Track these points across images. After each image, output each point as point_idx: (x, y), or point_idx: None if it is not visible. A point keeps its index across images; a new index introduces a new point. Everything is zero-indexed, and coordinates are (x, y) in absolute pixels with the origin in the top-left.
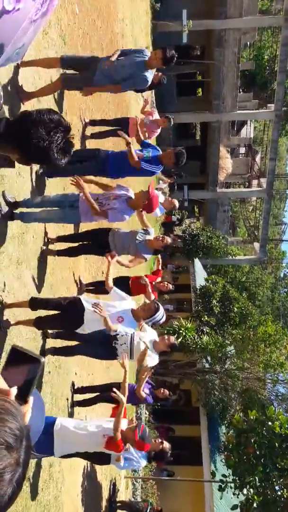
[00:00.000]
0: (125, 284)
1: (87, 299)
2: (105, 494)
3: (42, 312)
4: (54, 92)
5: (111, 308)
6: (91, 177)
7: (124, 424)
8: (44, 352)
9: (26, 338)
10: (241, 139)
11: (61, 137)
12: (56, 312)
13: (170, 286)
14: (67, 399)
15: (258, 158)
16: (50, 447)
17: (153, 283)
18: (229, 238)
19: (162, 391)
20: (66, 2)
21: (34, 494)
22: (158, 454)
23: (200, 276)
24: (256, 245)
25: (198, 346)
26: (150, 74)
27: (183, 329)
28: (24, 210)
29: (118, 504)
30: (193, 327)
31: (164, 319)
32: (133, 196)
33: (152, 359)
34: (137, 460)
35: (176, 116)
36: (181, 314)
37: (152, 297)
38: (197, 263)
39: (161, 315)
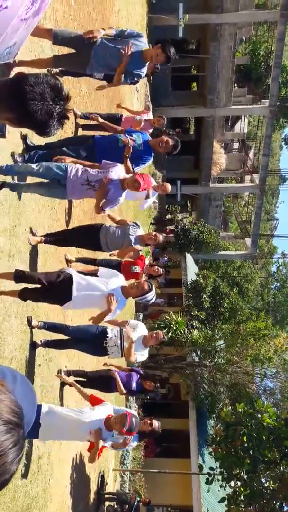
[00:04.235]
0: (116, 268)
1: (79, 278)
2: (94, 486)
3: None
4: (44, 67)
5: (103, 285)
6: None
7: (109, 410)
8: (35, 344)
9: (16, 331)
10: (235, 134)
11: (60, 106)
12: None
13: (161, 271)
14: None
15: (251, 154)
16: (35, 432)
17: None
18: (221, 233)
19: (148, 383)
20: None
21: (22, 485)
22: (149, 434)
23: (191, 270)
24: (248, 240)
25: (188, 340)
26: (145, 68)
27: (173, 323)
28: (12, 181)
29: (106, 496)
30: (184, 322)
31: (154, 299)
32: (122, 176)
33: (141, 356)
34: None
35: (170, 110)
36: (172, 309)
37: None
38: (189, 257)
39: (152, 295)
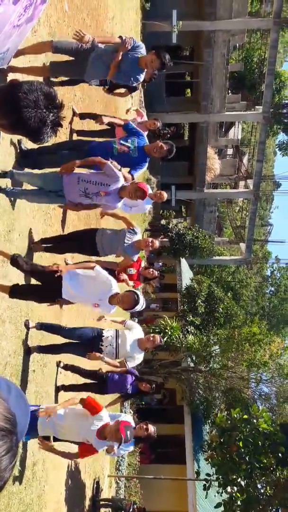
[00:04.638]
0: (112, 272)
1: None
2: (89, 493)
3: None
4: (42, 75)
5: (92, 291)
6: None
7: (105, 417)
8: (29, 350)
9: (11, 337)
10: (229, 140)
11: (53, 113)
12: (34, 283)
13: (156, 273)
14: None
15: (245, 160)
16: (34, 430)
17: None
18: (216, 238)
19: (144, 384)
20: (56, 0)
21: (17, 492)
22: (145, 439)
23: (186, 276)
24: (242, 245)
25: (183, 345)
26: (142, 74)
27: (168, 328)
28: (9, 185)
29: (101, 503)
30: (178, 327)
31: (143, 307)
32: (121, 185)
33: (136, 359)
34: (123, 448)
35: (164, 116)
36: (167, 314)
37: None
38: (184, 263)
39: (140, 306)
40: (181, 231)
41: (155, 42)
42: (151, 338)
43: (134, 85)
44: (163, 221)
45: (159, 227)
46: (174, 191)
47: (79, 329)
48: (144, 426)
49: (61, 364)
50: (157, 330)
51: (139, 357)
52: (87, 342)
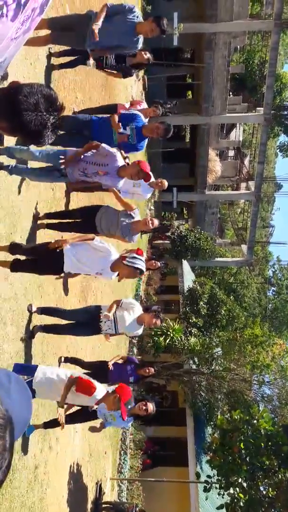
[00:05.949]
0: None
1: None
2: (91, 495)
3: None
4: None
5: (92, 264)
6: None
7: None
8: (32, 331)
9: (12, 339)
10: (230, 142)
11: (54, 116)
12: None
13: (159, 264)
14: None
15: (246, 161)
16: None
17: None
18: (217, 239)
19: (147, 370)
20: (57, 2)
21: (19, 495)
22: (145, 417)
23: (188, 277)
24: (244, 247)
25: (185, 347)
26: (140, 41)
27: (170, 330)
28: (13, 162)
29: (103, 506)
30: (181, 329)
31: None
32: (120, 164)
33: (135, 333)
34: (125, 421)
35: (165, 118)
36: (169, 316)
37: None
38: (185, 264)
39: (141, 267)
40: (182, 233)
41: (155, 44)
42: (152, 325)
43: (128, 50)
44: (164, 222)
45: (161, 231)
46: (176, 193)
47: (80, 309)
48: (143, 407)
49: (62, 360)
50: (158, 333)
51: (138, 332)
52: (87, 317)
